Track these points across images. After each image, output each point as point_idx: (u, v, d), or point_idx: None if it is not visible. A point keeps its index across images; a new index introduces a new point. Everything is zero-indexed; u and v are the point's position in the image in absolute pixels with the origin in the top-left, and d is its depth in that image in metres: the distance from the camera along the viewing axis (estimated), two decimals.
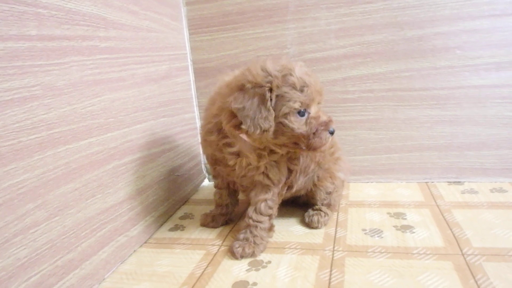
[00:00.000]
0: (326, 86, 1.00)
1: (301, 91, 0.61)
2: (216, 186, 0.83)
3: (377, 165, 1.03)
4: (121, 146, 0.72)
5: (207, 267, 0.66)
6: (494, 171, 0.96)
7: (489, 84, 0.92)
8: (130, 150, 0.76)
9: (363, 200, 0.92)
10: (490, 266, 0.60)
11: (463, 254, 0.64)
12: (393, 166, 1.02)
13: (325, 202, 0.82)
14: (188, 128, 1.03)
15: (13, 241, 0.49)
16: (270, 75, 0.60)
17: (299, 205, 0.88)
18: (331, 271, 0.62)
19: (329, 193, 0.81)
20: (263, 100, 0.60)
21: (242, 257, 0.68)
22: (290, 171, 0.73)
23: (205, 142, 0.75)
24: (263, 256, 0.69)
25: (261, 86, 0.60)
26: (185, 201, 1.00)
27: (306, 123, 0.63)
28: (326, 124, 0.64)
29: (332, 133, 0.65)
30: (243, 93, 0.61)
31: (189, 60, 1.07)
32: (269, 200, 0.71)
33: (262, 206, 0.71)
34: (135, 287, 0.62)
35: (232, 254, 0.69)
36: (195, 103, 1.10)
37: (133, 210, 0.75)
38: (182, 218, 0.90)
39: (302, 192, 0.83)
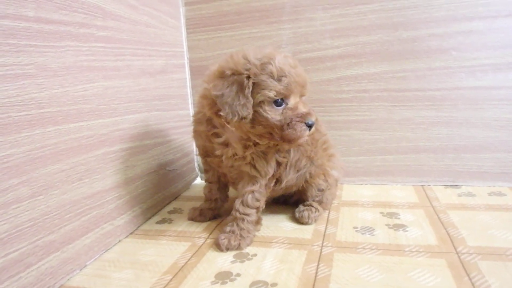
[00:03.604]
0: (320, 86, 1.01)
1: (279, 80, 0.60)
2: (206, 180, 0.82)
3: (372, 167, 1.01)
4: (112, 133, 0.73)
5: (191, 257, 0.65)
6: (492, 175, 0.94)
7: (486, 85, 0.91)
8: (121, 138, 0.76)
9: (356, 200, 0.91)
10: (485, 265, 0.58)
11: (457, 253, 0.62)
12: (388, 168, 1.00)
13: (316, 199, 0.80)
14: (182, 124, 1.04)
15: None
16: (250, 63, 0.60)
17: (290, 204, 0.86)
18: (318, 265, 0.61)
19: (322, 191, 0.80)
20: (241, 87, 0.59)
21: (227, 249, 0.67)
22: (278, 164, 0.72)
23: (195, 133, 0.75)
24: (249, 249, 0.67)
25: (240, 74, 0.60)
26: (175, 197, 0.99)
27: (281, 113, 0.61)
28: (303, 116, 0.61)
29: (310, 125, 0.62)
30: (223, 80, 0.61)
31: (185, 58, 1.09)
32: (256, 192, 0.70)
33: (249, 198, 0.70)
34: (116, 274, 0.61)
35: (218, 246, 0.68)
36: (190, 100, 1.11)
37: (120, 199, 0.75)
38: (170, 212, 0.89)
39: (294, 189, 0.82)
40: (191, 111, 1.11)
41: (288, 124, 0.61)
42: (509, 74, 0.89)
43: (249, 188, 0.70)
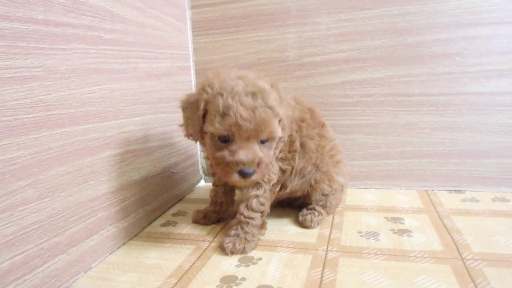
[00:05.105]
0: (325, 90, 1.01)
1: (222, 117, 0.56)
2: (213, 184, 0.82)
3: (375, 171, 1.01)
4: (118, 136, 0.73)
5: (196, 261, 0.65)
6: (496, 180, 0.94)
7: (490, 91, 0.92)
8: (127, 141, 0.76)
9: (360, 204, 0.91)
10: (491, 271, 0.58)
11: (462, 259, 0.62)
12: (392, 173, 1.00)
13: (320, 203, 0.80)
14: None
15: (0, 216, 0.49)
16: (210, 87, 0.58)
17: (295, 207, 0.86)
18: (323, 270, 0.61)
19: (326, 195, 0.80)
20: (197, 108, 0.59)
21: (232, 253, 0.67)
22: (282, 171, 0.73)
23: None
24: (253, 253, 0.67)
25: (201, 94, 0.59)
26: (179, 199, 0.99)
27: (221, 150, 0.58)
28: (236, 164, 0.56)
29: (243, 174, 0.56)
30: (193, 94, 0.63)
31: (191, 60, 1.09)
32: (260, 196, 0.70)
33: (254, 202, 0.70)
34: (120, 277, 0.61)
35: (222, 249, 0.68)
36: None
37: (125, 201, 0.75)
38: (175, 215, 0.89)
39: (299, 194, 0.82)
40: None
41: (219, 164, 0.59)
42: None
43: (254, 192, 0.70)
